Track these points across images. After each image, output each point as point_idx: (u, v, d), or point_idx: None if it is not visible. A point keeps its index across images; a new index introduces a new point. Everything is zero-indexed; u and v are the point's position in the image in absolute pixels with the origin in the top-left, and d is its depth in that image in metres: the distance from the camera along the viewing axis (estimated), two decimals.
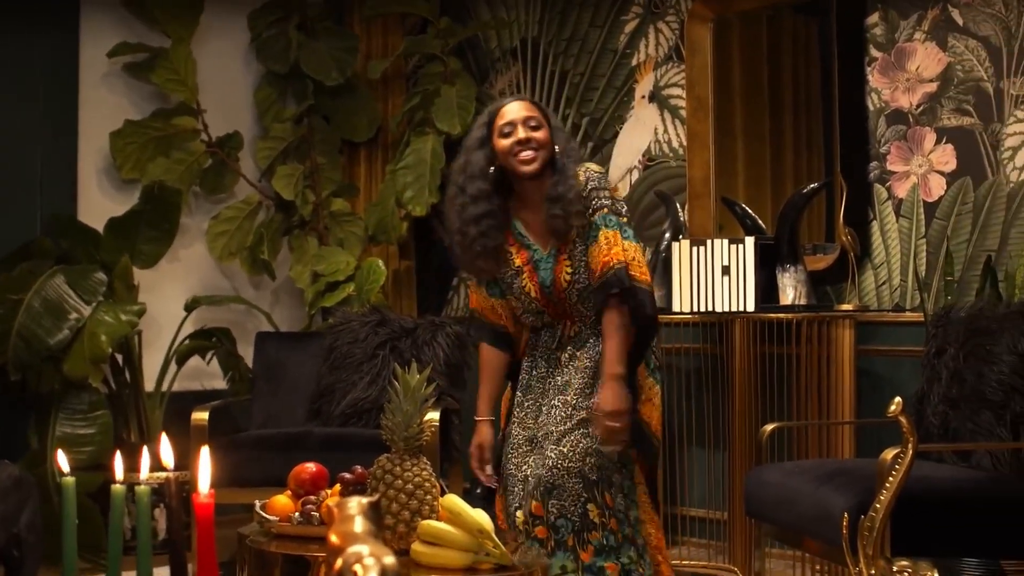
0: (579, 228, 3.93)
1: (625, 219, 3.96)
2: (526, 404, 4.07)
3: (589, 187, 3.94)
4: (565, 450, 3.89)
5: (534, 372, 4.10)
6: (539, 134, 3.96)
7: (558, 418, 3.94)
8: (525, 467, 3.98)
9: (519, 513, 3.94)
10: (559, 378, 4.02)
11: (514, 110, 4.00)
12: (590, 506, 3.88)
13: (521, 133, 3.94)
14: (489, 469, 4.10)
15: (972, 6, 4.99)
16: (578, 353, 4.01)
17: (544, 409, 4.01)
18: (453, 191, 4.10)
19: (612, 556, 3.89)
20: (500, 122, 4.00)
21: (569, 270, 3.96)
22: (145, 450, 2.75)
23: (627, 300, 3.87)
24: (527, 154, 3.94)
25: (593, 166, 4.02)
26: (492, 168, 4.00)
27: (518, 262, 4.03)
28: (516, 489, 3.99)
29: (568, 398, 3.95)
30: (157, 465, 2.79)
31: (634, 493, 3.97)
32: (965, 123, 5.01)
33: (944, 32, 5.08)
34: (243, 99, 6.84)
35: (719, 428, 5.43)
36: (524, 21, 6.64)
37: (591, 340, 4.00)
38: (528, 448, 4.01)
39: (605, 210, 3.92)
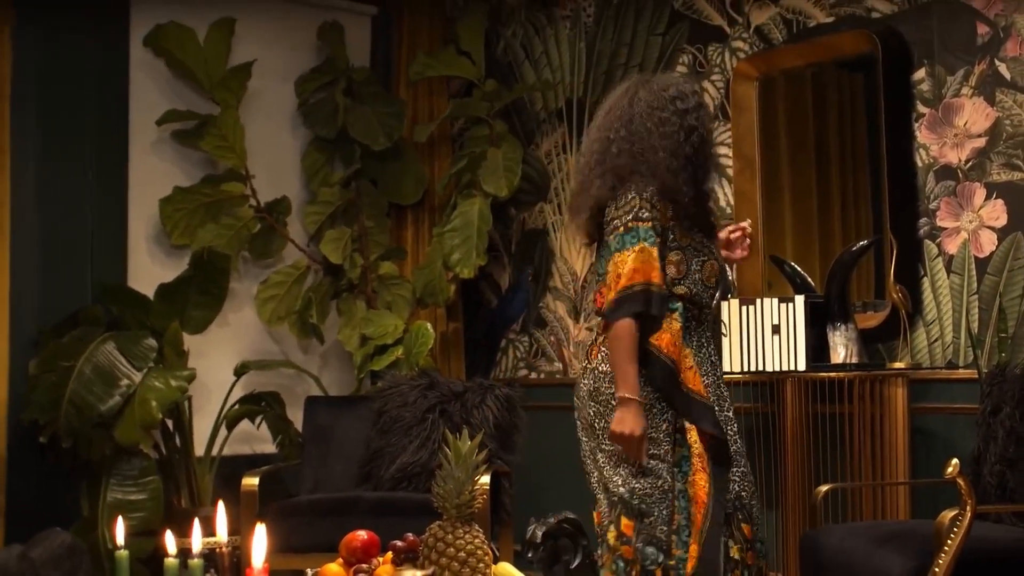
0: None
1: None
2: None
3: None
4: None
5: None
6: None
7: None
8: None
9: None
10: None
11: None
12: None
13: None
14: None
15: (1019, 60, 4.97)
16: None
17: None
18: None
19: None
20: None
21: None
22: (197, 522, 2.74)
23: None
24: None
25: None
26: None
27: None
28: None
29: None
30: (209, 533, 2.79)
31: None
32: (1015, 178, 4.97)
33: (992, 87, 5.05)
34: (291, 164, 6.88)
35: (772, 488, 5.37)
36: (569, 82, 6.66)
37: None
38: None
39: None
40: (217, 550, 2.48)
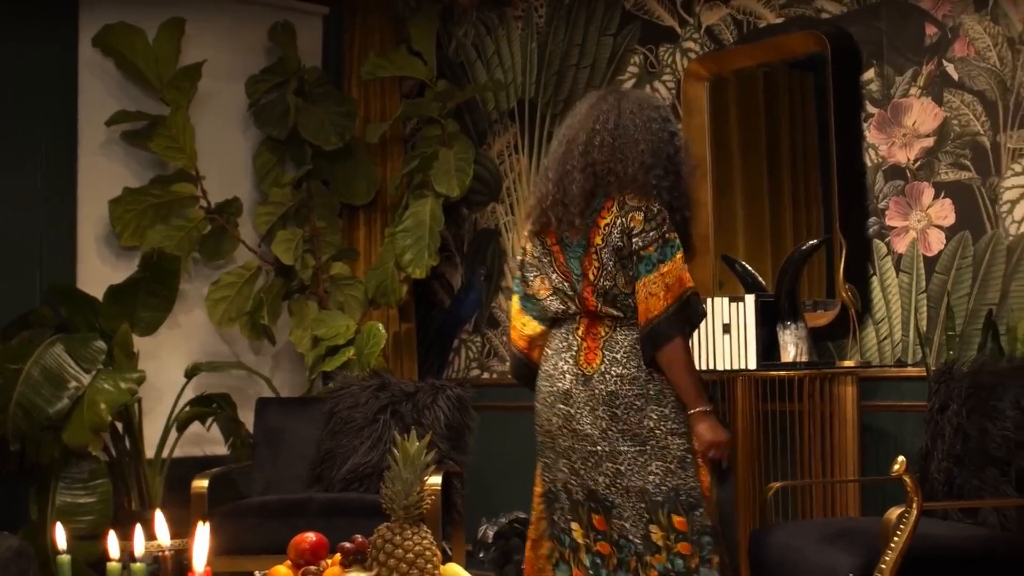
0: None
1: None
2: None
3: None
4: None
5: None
6: None
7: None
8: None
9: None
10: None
11: None
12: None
13: None
14: None
15: (967, 60, 5.00)
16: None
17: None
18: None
19: None
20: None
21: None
22: (139, 526, 2.72)
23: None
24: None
25: None
26: None
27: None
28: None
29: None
30: (152, 538, 2.78)
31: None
32: (963, 177, 5.01)
33: (939, 87, 5.09)
34: (242, 165, 6.85)
35: (723, 486, 5.38)
36: (521, 83, 6.66)
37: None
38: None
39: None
40: (160, 554, 2.47)
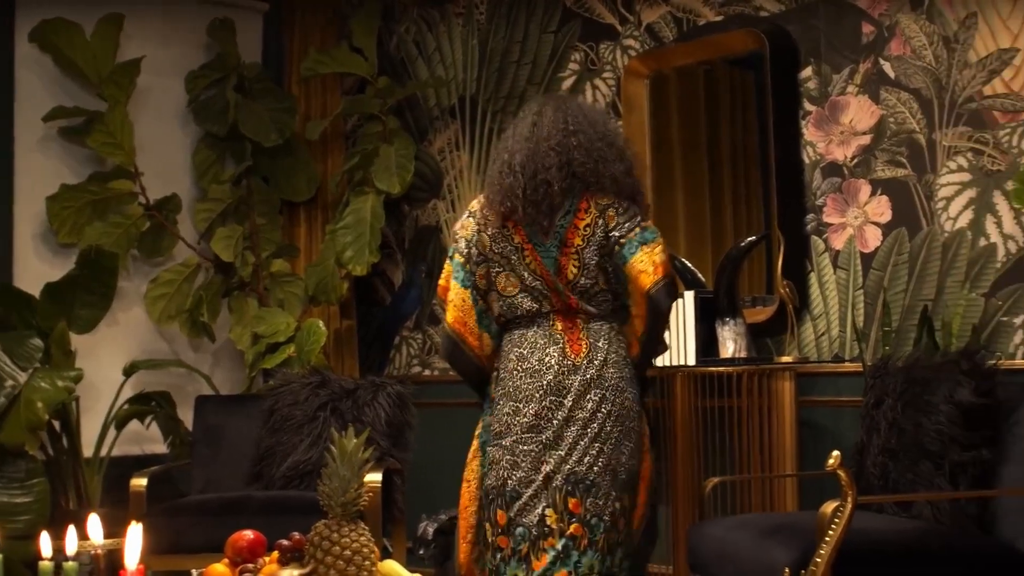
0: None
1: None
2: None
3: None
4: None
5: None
6: None
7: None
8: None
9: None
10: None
11: None
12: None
13: None
14: None
15: (903, 59, 5.05)
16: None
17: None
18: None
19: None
20: None
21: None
22: (72, 526, 2.70)
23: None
24: None
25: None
26: None
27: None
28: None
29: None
30: (85, 537, 2.76)
31: None
32: (899, 174, 5.06)
33: (876, 85, 5.13)
34: (181, 161, 6.81)
35: (662, 482, 5.41)
36: (462, 79, 6.66)
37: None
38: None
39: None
40: (93, 552, 2.46)
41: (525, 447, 4.18)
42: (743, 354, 5.12)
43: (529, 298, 4.21)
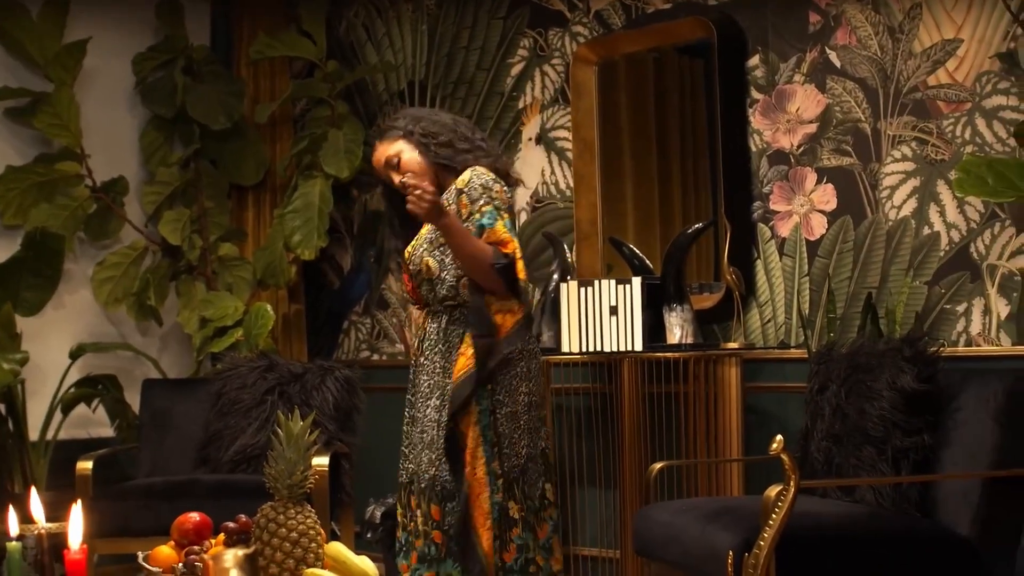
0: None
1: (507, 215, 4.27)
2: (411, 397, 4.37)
3: (476, 183, 4.23)
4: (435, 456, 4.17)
5: (417, 365, 4.35)
6: (404, 164, 4.33)
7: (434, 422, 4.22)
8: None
9: (419, 512, 4.19)
10: (428, 378, 4.26)
11: (376, 163, 4.44)
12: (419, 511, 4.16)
13: (395, 178, 4.22)
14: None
15: (849, 48, 5.09)
16: (449, 353, 4.24)
17: (420, 408, 4.29)
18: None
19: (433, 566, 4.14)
20: (380, 177, 4.47)
21: (412, 247, 4.32)
22: (11, 507, 2.69)
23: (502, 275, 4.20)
24: (410, 193, 4.12)
25: (482, 169, 4.30)
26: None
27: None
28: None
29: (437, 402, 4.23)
30: (28, 519, 2.75)
31: None
32: (844, 163, 5.10)
33: (823, 74, 5.17)
34: (128, 144, 6.76)
35: (609, 467, 5.45)
36: (411, 65, 6.65)
37: (453, 347, 4.23)
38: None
39: (491, 206, 4.21)
40: (37, 533, 2.45)
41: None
42: (690, 340, 5.15)
43: None
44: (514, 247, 4.19)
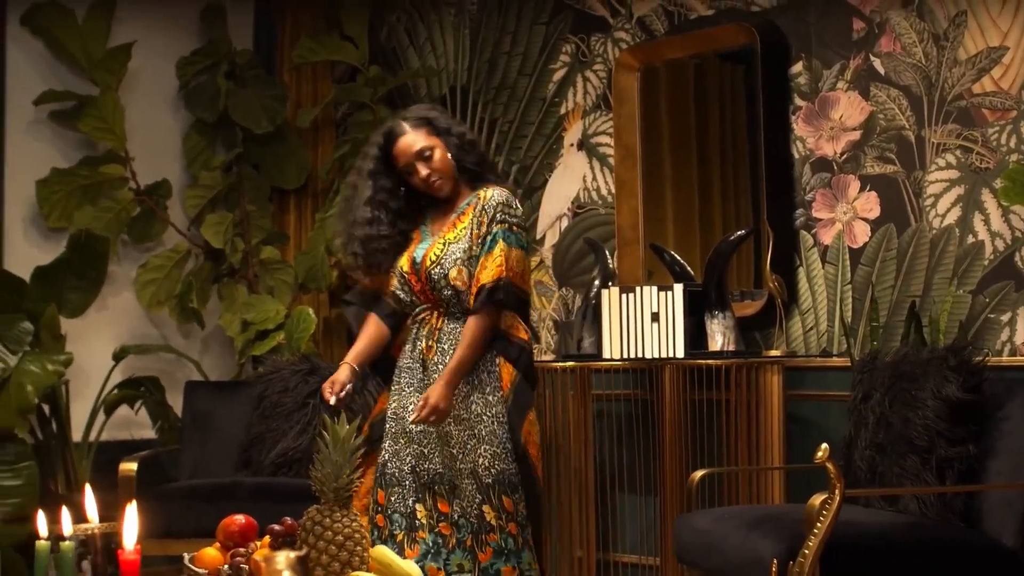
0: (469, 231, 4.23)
1: (523, 233, 4.27)
2: (404, 395, 4.28)
3: (495, 201, 4.18)
4: (455, 451, 4.13)
5: (411, 362, 4.30)
6: (436, 161, 4.25)
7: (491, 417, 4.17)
8: (409, 459, 4.22)
9: (420, 507, 4.15)
10: (438, 376, 4.18)
11: (404, 146, 4.27)
12: (485, 508, 4.08)
13: (423, 171, 4.19)
14: (339, 390, 4.27)
15: (893, 55, 5.08)
16: (451, 351, 4.20)
17: (462, 407, 4.20)
18: (352, 201, 4.44)
19: (511, 559, 4.00)
20: (399, 163, 4.28)
21: (436, 254, 4.25)
22: (64, 507, 2.71)
23: (509, 308, 4.19)
24: (436, 184, 4.24)
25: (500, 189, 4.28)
26: (402, 189, 4.35)
27: (414, 247, 4.34)
28: (407, 482, 4.20)
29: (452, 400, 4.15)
30: (81, 519, 2.77)
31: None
32: (888, 171, 5.09)
33: (866, 81, 5.16)
34: (172, 147, 6.80)
35: (650, 474, 5.44)
36: (453, 70, 6.67)
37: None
38: (405, 441, 4.24)
39: (505, 225, 4.17)
40: (89, 533, 2.47)
41: (396, 436, 4.37)
42: (731, 347, 5.14)
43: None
44: (503, 272, 4.18)
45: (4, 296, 5.88)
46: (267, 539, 3.32)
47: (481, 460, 4.10)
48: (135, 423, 6.37)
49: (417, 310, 4.32)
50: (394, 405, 4.32)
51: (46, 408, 5.94)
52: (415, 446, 4.18)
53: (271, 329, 6.38)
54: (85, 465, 6.01)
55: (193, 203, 6.72)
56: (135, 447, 5.82)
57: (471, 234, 4.21)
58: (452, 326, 4.24)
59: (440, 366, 4.19)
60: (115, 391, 6.19)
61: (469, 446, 4.11)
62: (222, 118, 6.69)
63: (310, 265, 6.59)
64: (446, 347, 4.20)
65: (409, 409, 4.20)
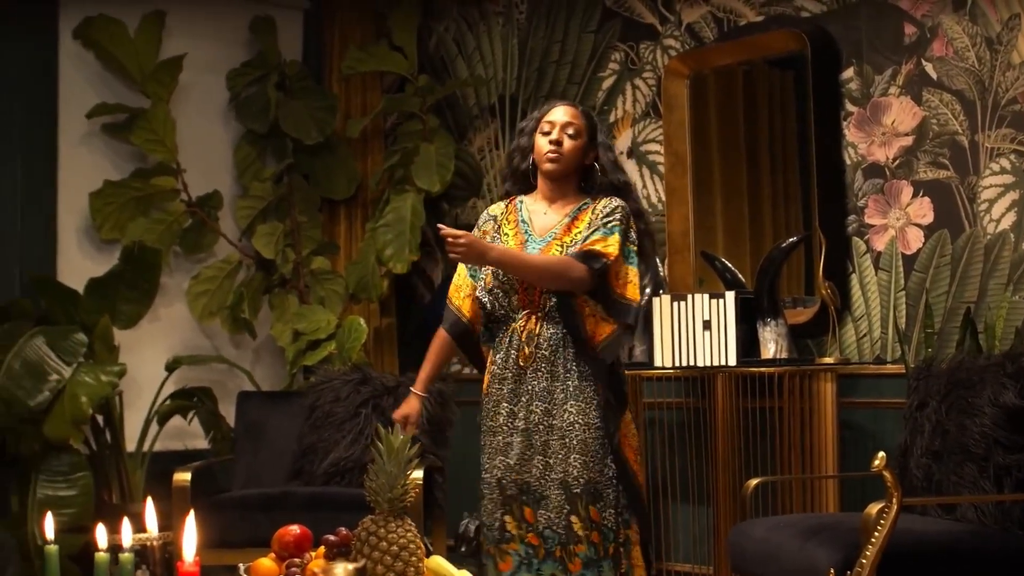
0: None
1: (634, 247, 4.13)
2: (501, 406, 4.15)
3: (614, 205, 4.13)
4: (551, 461, 4.03)
5: (503, 371, 4.16)
6: (572, 142, 4.18)
7: (541, 427, 4.06)
8: (495, 470, 4.13)
9: (508, 519, 4.08)
10: (536, 383, 4.08)
11: (558, 114, 4.23)
12: (573, 518, 3.99)
13: (555, 135, 4.17)
14: (415, 422, 4.28)
15: (945, 60, 5.04)
16: (554, 358, 4.08)
17: (521, 413, 4.09)
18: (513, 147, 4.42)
19: (591, 569, 3.96)
20: (544, 120, 4.24)
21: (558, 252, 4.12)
22: (126, 518, 2.72)
23: (595, 282, 4.04)
24: (552, 154, 4.16)
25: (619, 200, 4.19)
26: (526, 163, 4.29)
27: (514, 244, 4.19)
28: (495, 495, 4.13)
29: (548, 407, 4.06)
30: (140, 528, 2.78)
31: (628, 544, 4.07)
32: (941, 176, 5.05)
33: (918, 86, 5.12)
34: (222, 158, 6.84)
35: (703, 482, 5.42)
36: (502, 79, 6.68)
37: (567, 347, 4.09)
38: (493, 452, 4.15)
39: (622, 225, 4.10)
40: (148, 545, 2.48)
41: (488, 446, 4.25)
42: (784, 355, 5.12)
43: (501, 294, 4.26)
44: (612, 256, 4.05)
45: (58, 308, 5.93)
46: (322, 549, 3.33)
47: (571, 470, 4.00)
48: (188, 433, 6.40)
49: (516, 315, 4.16)
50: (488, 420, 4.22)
51: (100, 419, 5.98)
52: (501, 457, 4.13)
53: (322, 339, 6.41)
54: (139, 475, 6.05)
55: (244, 214, 6.75)
56: (188, 457, 5.85)
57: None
58: (552, 331, 4.11)
59: (539, 372, 4.06)
60: (168, 401, 6.23)
61: (561, 455, 4.01)
62: (272, 129, 6.73)
63: (361, 275, 6.61)
64: (546, 352, 4.10)
65: (500, 422, 4.14)
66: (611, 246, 4.04)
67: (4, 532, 5.22)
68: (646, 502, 4.24)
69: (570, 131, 4.18)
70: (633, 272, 4.10)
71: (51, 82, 6.30)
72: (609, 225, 4.08)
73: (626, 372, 5.22)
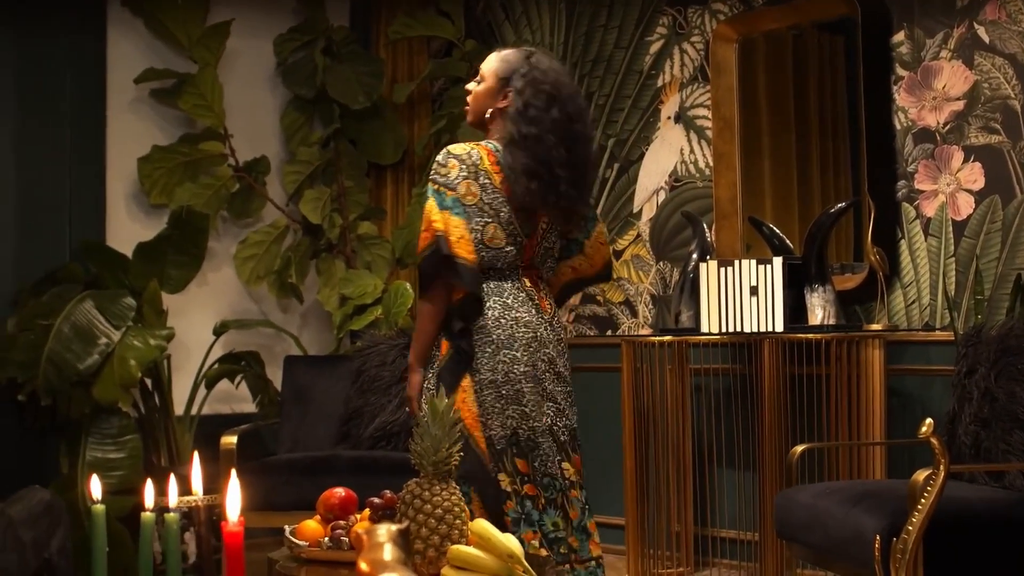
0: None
1: (451, 193, 3.84)
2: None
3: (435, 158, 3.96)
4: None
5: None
6: (475, 88, 4.02)
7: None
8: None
9: (567, 465, 3.96)
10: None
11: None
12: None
13: (467, 87, 4.09)
14: None
15: (998, 23, 4.97)
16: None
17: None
18: None
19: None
20: None
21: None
22: (173, 477, 2.74)
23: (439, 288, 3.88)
24: (465, 109, 4.08)
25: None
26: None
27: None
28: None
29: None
30: (187, 490, 2.79)
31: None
32: (993, 141, 4.99)
33: (970, 50, 5.06)
34: (270, 124, 6.86)
35: (749, 449, 5.41)
36: (549, 43, 6.64)
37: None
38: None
39: (429, 185, 3.88)
40: (194, 506, 2.49)
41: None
42: (832, 321, 5.09)
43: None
44: (434, 230, 3.82)
45: (107, 272, 5.98)
46: (367, 512, 3.34)
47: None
48: (235, 397, 6.44)
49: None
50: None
51: (148, 382, 6.03)
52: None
53: (369, 304, 6.42)
54: (187, 439, 6.09)
55: (291, 179, 6.77)
56: (236, 421, 5.88)
57: None
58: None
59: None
60: (216, 365, 6.27)
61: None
62: (319, 94, 6.74)
63: (407, 240, 6.62)
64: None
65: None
66: (425, 230, 3.84)
67: (54, 494, 5.27)
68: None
69: (477, 77, 4.00)
70: (456, 224, 3.81)
71: (100, 48, 6.33)
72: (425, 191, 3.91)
73: (666, 338, 5.28)
